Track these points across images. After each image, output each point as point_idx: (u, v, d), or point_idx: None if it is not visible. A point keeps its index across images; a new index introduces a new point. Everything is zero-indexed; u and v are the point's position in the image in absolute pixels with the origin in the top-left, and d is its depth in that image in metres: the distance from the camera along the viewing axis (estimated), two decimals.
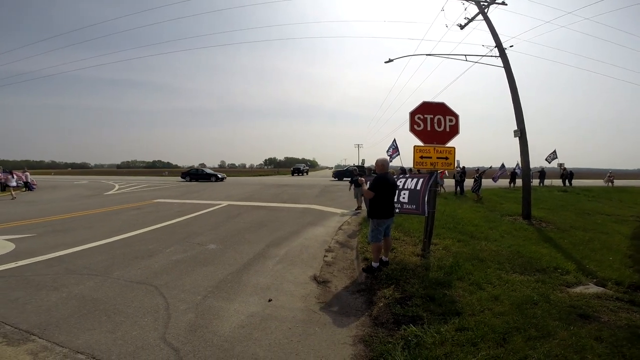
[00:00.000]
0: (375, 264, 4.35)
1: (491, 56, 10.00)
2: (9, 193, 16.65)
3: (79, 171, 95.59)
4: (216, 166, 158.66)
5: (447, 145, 5.22)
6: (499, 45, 9.84)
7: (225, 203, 12.75)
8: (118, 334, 2.93)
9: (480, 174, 14.92)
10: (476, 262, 4.61)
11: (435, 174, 5.04)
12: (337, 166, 50.37)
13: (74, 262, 5.08)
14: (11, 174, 19.12)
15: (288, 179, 36.06)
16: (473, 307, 3.15)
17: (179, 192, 18.72)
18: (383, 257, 4.51)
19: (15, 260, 5.12)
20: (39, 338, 2.83)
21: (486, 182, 18.50)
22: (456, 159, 5.29)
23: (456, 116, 5.30)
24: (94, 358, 2.55)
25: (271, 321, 3.17)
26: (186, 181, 30.44)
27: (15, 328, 2.99)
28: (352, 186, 11.50)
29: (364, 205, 9.53)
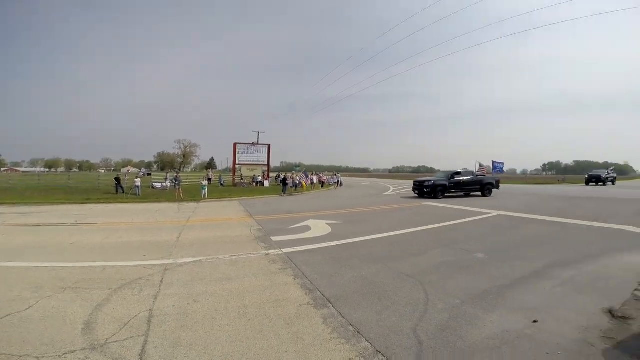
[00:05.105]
0: None
1: None
2: (328, 188, 24.30)
3: (363, 174, 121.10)
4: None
5: None
6: None
7: (495, 213, 11.46)
8: (382, 316, 3.40)
9: None
10: None
11: None
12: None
13: (364, 249, 6.31)
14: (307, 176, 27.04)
15: (580, 189, 26.72)
16: None
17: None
18: None
19: (331, 240, 7.06)
20: (332, 306, 3.66)
21: None
22: None
23: None
24: (358, 332, 3.05)
25: (527, 341, 2.87)
26: None
27: (322, 294, 4.02)
28: None
29: None
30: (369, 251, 6.14)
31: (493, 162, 22.52)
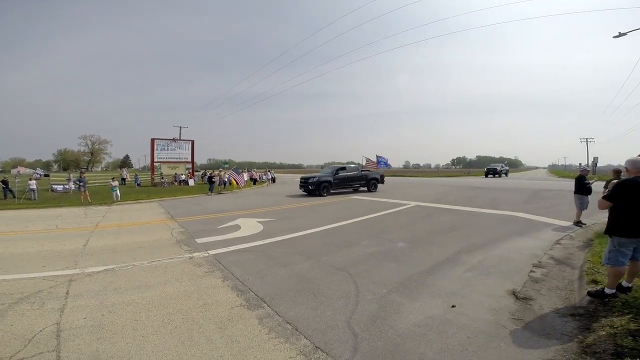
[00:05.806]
0: (610, 290, 3.46)
1: None
2: (262, 185, 24.19)
3: (297, 170, 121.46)
4: (401, 167, 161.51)
5: None
6: None
7: (413, 203, 12.61)
8: (318, 311, 3.41)
9: None
10: None
11: None
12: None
13: (297, 245, 6.33)
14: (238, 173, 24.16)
15: (482, 180, 31.59)
16: None
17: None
18: (624, 283, 3.56)
19: (263, 238, 6.91)
20: (267, 306, 3.57)
21: None
22: None
23: None
24: (296, 330, 3.03)
25: (450, 326, 3.06)
26: None
27: (255, 295, 3.90)
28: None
29: (584, 220, 7.95)
30: (302, 247, 6.16)
31: (377, 156, 22.24)
